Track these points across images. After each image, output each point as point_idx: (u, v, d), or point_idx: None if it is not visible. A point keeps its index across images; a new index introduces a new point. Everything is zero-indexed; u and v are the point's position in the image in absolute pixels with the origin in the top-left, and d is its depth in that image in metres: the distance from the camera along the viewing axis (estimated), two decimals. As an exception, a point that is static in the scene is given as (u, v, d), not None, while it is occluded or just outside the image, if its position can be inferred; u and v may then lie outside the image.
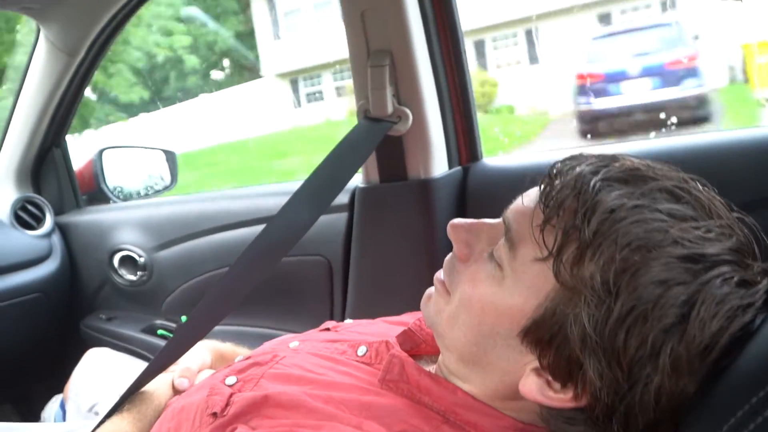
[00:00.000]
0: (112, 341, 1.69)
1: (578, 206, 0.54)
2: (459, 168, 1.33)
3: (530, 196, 0.61)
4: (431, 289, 0.69)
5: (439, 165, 1.29)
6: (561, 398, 0.57)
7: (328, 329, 0.89)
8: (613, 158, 0.59)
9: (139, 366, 0.92)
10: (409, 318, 0.80)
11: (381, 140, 1.22)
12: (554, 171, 0.59)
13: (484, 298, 0.60)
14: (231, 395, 0.71)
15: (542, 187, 0.59)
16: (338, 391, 0.66)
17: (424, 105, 1.25)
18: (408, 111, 1.23)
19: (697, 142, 1.17)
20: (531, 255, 0.57)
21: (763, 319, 0.50)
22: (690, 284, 0.50)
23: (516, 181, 1.29)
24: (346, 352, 0.76)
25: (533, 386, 0.58)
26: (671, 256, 0.51)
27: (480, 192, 1.28)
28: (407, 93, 1.24)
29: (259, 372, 0.74)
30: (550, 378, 0.57)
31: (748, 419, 0.41)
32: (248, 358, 0.81)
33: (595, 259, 0.52)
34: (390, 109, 1.22)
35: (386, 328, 0.85)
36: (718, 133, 1.20)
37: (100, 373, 1.30)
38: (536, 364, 0.58)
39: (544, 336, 0.56)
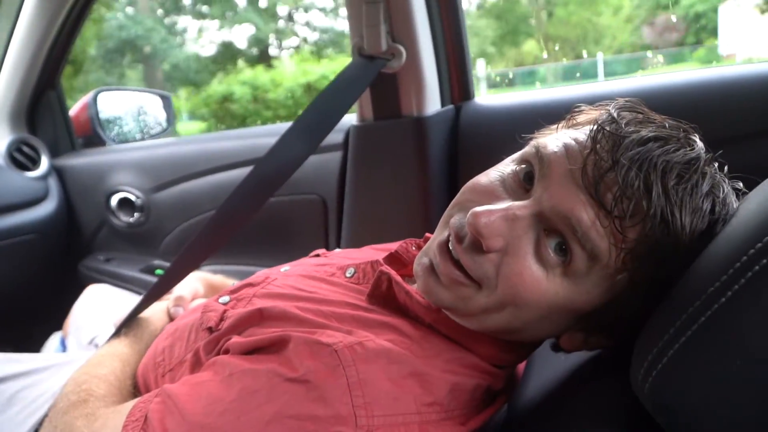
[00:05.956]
0: (110, 281, 1.69)
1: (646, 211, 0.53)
2: (451, 107, 1.34)
3: (581, 198, 0.56)
4: (433, 268, 0.63)
5: (432, 103, 1.30)
6: (597, 341, 0.63)
7: (318, 255, 0.91)
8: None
9: (138, 300, 0.94)
10: (394, 245, 0.82)
11: (375, 78, 1.22)
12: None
13: (547, 296, 0.58)
14: (224, 311, 0.74)
15: (615, 194, 0.54)
16: (328, 306, 0.69)
17: (418, 43, 1.24)
18: (402, 48, 1.23)
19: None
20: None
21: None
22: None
23: (506, 120, 1.28)
24: (335, 274, 0.78)
25: (576, 342, 0.64)
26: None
27: (471, 130, 1.28)
28: (401, 30, 1.23)
29: (252, 291, 0.77)
30: (590, 330, 0.63)
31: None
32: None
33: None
34: (384, 46, 1.22)
35: (373, 253, 0.88)
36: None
37: (100, 307, 1.32)
38: (580, 325, 0.62)
39: (602, 320, 0.60)
